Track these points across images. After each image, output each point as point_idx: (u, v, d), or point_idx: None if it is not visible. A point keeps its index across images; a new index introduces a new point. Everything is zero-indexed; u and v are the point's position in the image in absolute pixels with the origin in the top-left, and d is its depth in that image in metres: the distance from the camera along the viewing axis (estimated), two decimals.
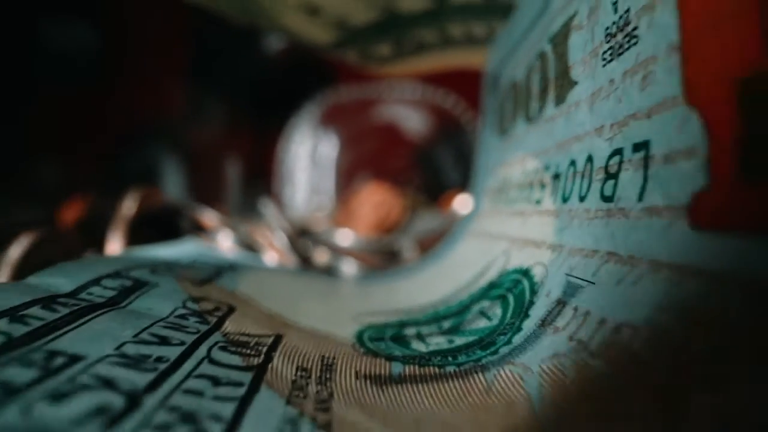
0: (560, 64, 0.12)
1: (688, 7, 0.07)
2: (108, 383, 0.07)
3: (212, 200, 0.40)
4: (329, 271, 0.25)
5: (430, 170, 0.40)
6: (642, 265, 0.07)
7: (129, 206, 0.21)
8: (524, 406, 0.07)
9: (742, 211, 0.06)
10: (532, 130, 0.14)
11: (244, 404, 0.08)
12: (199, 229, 0.27)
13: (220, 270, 0.18)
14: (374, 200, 0.39)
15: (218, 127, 0.49)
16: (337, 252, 0.27)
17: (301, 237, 0.27)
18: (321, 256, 0.26)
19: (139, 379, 0.08)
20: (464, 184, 0.28)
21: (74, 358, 0.08)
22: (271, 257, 0.24)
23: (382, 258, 0.29)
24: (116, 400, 0.07)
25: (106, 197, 0.25)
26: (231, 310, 0.13)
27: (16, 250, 0.15)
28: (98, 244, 0.22)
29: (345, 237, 0.30)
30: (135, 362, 0.08)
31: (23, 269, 0.16)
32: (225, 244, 0.25)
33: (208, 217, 0.26)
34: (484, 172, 0.17)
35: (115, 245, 0.21)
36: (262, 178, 0.48)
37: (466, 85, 0.29)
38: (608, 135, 0.10)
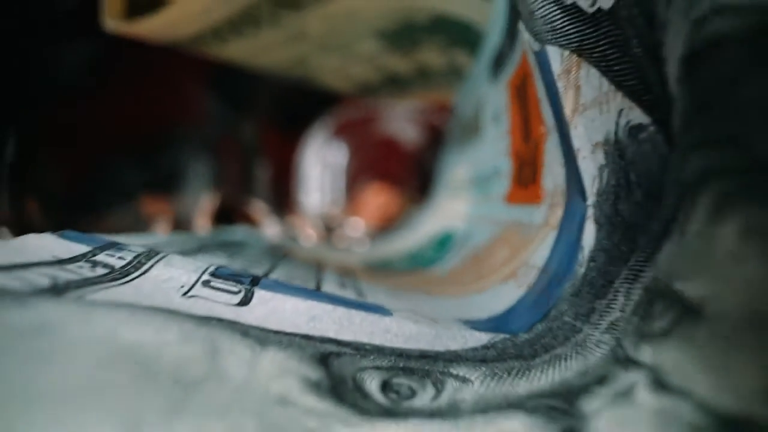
0: (480, 118, 0.24)
1: (511, 116, 0.19)
2: (264, 257, 0.19)
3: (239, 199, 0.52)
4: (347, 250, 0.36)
5: (423, 175, 0.52)
6: (492, 220, 0.19)
7: (213, 201, 0.32)
8: (439, 276, 0.19)
9: (517, 196, 0.18)
10: (469, 149, 0.26)
11: (319, 274, 0.19)
12: (247, 219, 0.38)
13: (273, 245, 0.30)
14: (377, 201, 0.51)
15: (244, 135, 0.60)
16: (352, 237, 0.38)
17: (324, 226, 0.39)
18: (340, 240, 0.37)
19: (274, 260, 0.19)
20: None
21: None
22: (308, 238, 0.35)
23: None
24: (245, 273, 0.18)
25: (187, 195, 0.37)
26: (288, 253, 0.25)
27: (164, 227, 0.27)
28: (190, 228, 0.33)
29: (357, 227, 0.41)
30: (269, 258, 0.20)
31: None
32: (271, 230, 0.37)
33: (257, 209, 0.38)
34: (445, 172, 0.29)
35: (203, 229, 0.33)
36: (282, 180, 0.60)
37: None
38: (492, 161, 0.21)
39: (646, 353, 0.08)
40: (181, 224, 0.35)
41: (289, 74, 0.28)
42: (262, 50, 0.24)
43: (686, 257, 0.08)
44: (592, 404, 0.08)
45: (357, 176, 0.59)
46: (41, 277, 0.08)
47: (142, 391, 0.06)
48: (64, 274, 0.09)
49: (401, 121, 0.54)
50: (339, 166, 0.59)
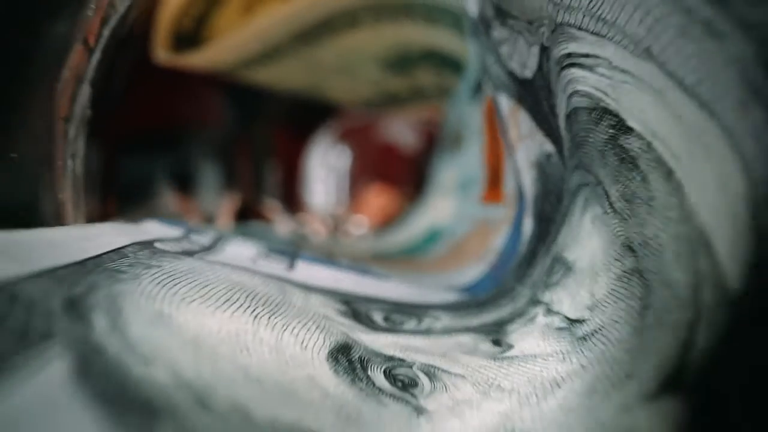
0: (462, 132, 0.29)
1: (485, 134, 0.24)
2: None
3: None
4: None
5: (420, 177, 0.57)
6: (471, 218, 0.24)
7: (235, 201, 0.38)
8: (427, 261, 0.24)
9: (488, 197, 0.23)
10: (456, 157, 0.31)
11: (332, 256, 0.24)
12: (261, 217, 0.44)
13: (288, 240, 0.35)
14: (379, 201, 0.56)
15: (256, 139, 0.65)
16: (356, 234, 0.43)
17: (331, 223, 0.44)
18: (345, 236, 0.43)
19: (294, 249, 0.25)
20: None
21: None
22: (317, 234, 0.40)
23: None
24: (287, 250, 0.24)
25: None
26: (301, 246, 0.30)
27: (195, 224, 0.32)
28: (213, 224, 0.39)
29: (360, 224, 0.46)
30: (291, 246, 0.25)
31: None
32: (283, 227, 0.42)
33: (270, 207, 0.43)
34: (436, 175, 0.35)
35: (226, 226, 0.38)
36: (290, 181, 0.65)
37: None
38: (474, 169, 0.26)
39: (546, 296, 0.13)
40: (204, 222, 0.40)
41: (303, 94, 0.33)
42: (283, 76, 0.29)
43: (570, 236, 0.13)
44: (512, 327, 0.13)
45: (359, 178, 0.65)
46: (173, 246, 0.13)
47: (253, 302, 0.11)
48: (182, 245, 0.14)
49: (401, 128, 0.60)
50: (343, 169, 0.65)
